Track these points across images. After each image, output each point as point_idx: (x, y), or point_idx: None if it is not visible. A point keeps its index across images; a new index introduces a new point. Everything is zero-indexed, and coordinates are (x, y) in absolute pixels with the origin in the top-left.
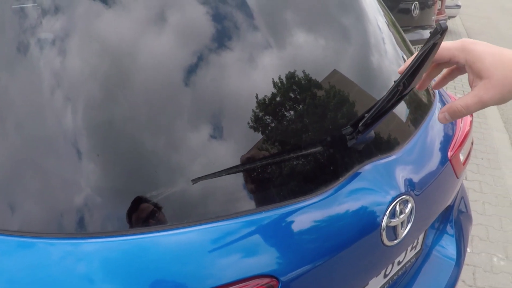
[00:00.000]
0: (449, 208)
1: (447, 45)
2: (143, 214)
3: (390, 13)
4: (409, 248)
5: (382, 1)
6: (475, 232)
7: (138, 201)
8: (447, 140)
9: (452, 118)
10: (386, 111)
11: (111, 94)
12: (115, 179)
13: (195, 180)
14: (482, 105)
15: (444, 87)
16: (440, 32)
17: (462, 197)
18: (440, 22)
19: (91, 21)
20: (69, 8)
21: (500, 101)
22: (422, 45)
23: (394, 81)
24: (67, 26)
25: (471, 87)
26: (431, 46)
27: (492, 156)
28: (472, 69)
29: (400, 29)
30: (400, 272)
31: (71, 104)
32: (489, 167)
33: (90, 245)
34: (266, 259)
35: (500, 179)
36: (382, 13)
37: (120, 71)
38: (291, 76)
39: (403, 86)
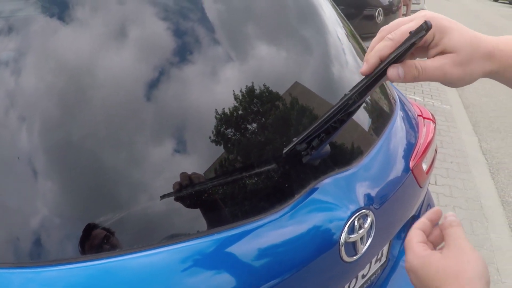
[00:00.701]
0: (415, 218)
1: (408, 23)
2: (99, 240)
3: (349, 24)
4: (373, 261)
5: (341, 12)
6: None
7: (95, 227)
8: (409, 149)
9: (405, 77)
10: (336, 127)
11: (68, 113)
12: (75, 204)
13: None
14: (442, 74)
15: (406, 90)
16: (426, 29)
17: (428, 205)
18: (426, 20)
19: (47, 39)
20: (25, 26)
21: (459, 79)
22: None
23: (345, 94)
24: (23, 44)
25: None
26: (409, 46)
27: (462, 159)
28: (439, 45)
29: (360, 40)
30: (365, 285)
31: (25, 125)
32: (459, 171)
33: (54, 272)
34: (220, 280)
35: (470, 182)
36: (341, 24)
37: (77, 89)
38: (249, 91)
39: (354, 101)
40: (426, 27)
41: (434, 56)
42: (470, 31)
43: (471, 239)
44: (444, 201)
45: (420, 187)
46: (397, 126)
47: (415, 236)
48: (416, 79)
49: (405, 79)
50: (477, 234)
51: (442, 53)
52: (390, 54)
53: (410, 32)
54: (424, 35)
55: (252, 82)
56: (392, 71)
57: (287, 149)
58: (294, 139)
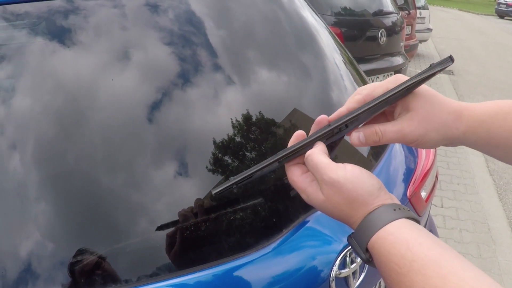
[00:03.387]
0: None
1: (381, 84)
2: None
3: (347, 51)
4: None
5: (338, 40)
6: None
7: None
8: (407, 176)
9: (366, 142)
10: None
11: (65, 139)
12: (68, 232)
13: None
14: (401, 136)
15: None
16: (452, 60)
17: (430, 231)
18: (451, 55)
19: (47, 61)
20: (26, 50)
21: (421, 137)
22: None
23: (330, 124)
24: (26, 69)
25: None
26: (430, 75)
27: (469, 181)
28: (402, 102)
29: (358, 66)
30: None
31: (18, 150)
32: (466, 193)
33: None
34: None
35: (477, 204)
36: (339, 51)
37: (76, 112)
38: (246, 119)
39: (340, 130)
40: (451, 59)
41: (398, 114)
42: (442, 97)
43: (478, 263)
44: (450, 224)
45: (419, 216)
46: (396, 152)
47: (292, 174)
48: (377, 143)
49: (366, 144)
50: (484, 257)
51: (406, 110)
52: (407, 80)
53: (431, 64)
54: (447, 65)
55: (249, 109)
56: (354, 136)
57: (218, 190)
58: (231, 177)
